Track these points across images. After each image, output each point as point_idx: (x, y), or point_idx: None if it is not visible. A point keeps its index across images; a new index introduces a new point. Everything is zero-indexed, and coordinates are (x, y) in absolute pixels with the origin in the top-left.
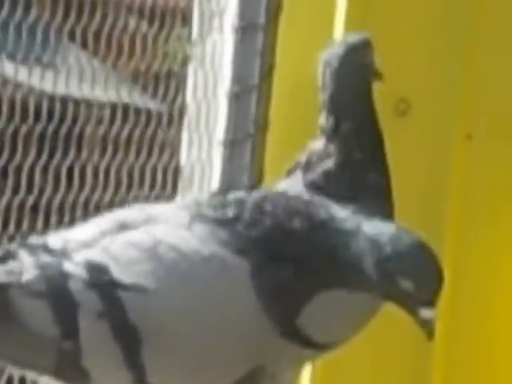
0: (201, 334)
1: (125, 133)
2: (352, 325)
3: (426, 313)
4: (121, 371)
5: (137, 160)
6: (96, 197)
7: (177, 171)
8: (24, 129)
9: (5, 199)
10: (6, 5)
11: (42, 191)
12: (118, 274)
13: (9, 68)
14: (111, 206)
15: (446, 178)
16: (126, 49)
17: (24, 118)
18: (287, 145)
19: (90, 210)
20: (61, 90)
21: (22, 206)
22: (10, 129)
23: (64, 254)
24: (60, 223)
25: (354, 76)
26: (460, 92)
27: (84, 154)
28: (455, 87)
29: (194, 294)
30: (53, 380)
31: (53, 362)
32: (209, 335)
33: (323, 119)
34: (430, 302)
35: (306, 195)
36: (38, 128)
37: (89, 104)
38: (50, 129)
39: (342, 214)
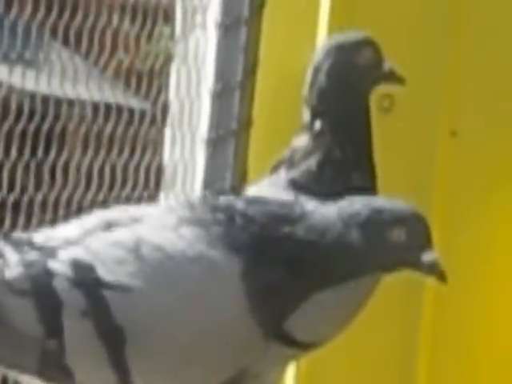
0: (186, 334)
1: (107, 131)
2: (337, 323)
3: (427, 256)
4: (105, 371)
5: (119, 159)
6: (78, 195)
7: (160, 170)
8: (5, 127)
9: None
10: None
11: (23, 190)
12: (103, 273)
13: None
14: (94, 204)
15: (430, 175)
16: (108, 47)
17: (5, 116)
18: (271, 143)
19: (73, 208)
20: (43, 88)
21: (3, 204)
22: None
23: (49, 251)
24: (42, 222)
25: (340, 75)
26: (444, 89)
27: (66, 152)
28: (439, 84)
29: (180, 294)
30: (36, 380)
31: (36, 361)
32: (194, 336)
33: (306, 115)
34: (427, 245)
35: (284, 195)
36: (20, 126)
37: (71, 102)
38: (32, 127)
39: (310, 206)
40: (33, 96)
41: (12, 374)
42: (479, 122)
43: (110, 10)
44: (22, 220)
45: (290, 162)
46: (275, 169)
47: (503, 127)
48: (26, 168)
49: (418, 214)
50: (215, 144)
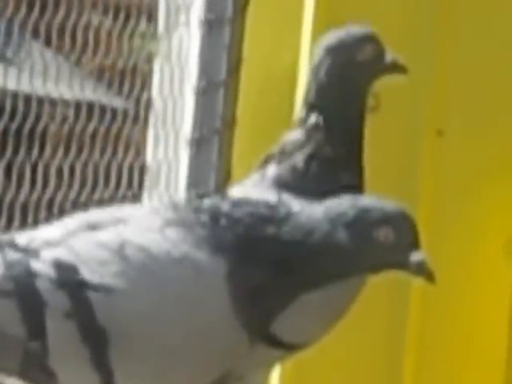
0: (170, 335)
1: (89, 130)
2: (324, 324)
3: (415, 256)
4: (88, 373)
5: (102, 158)
6: (60, 196)
7: (143, 169)
8: None
9: None
10: None
11: (5, 190)
12: (87, 273)
13: None
14: (76, 205)
15: (417, 174)
16: (91, 45)
17: None
18: (255, 142)
19: (55, 209)
20: (24, 87)
21: None
22: None
23: (32, 252)
24: (24, 222)
25: (341, 73)
26: (430, 88)
27: (48, 152)
28: (425, 83)
29: (164, 296)
30: (19, 381)
31: (18, 362)
32: (179, 337)
33: (302, 111)
34: (415, 245)
35: (269, 195)
36: (1, 126)
37: (53, 102)
38: (13, 127)
39: (296, 206)
40: (14, 95)
41: None
42: (465, 122)
43: (92, 8)
44: (3, 221)
45: (280, 157)
46: (265, 163)
47: (489, 126)
48: (8, 168)
49: (405, 213)
50: (199, 143)
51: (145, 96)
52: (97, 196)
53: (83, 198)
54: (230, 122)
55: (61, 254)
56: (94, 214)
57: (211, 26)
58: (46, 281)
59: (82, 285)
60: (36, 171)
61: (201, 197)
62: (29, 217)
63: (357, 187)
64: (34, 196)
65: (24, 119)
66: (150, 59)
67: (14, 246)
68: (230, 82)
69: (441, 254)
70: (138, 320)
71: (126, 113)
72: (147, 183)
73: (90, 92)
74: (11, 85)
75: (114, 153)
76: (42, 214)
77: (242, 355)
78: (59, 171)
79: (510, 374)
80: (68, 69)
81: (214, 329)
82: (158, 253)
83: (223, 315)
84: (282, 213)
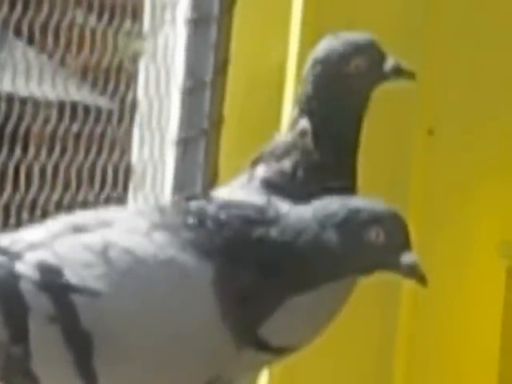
0: (156, 340)
1: (73, 131)
2: (313, 327)
3: (406, 258)
4: (72, 378)
5: (86, 159)
6: (43, 197)
7: (128, 170)
8: None
9: None
10: None
11: None
12: (71, 276)
13: None
14: (59, 206)
15: (407, 174)
16: (74, 44)
17: None
18: (243, 142)
19: (38, 210)
20: (7, 87)
21: None
22: None
23: (15, 254)
24: (6, 224)
25: (327, 86)
26: (421, 87)
27: (31, 152)
28: (417, 82)
29: (150, 300)
30: None
31: (1, 367)
32: (165, 342)
33: (294, 111)
34: (406, 246)
35: (256, 197)
36: None
37: (36, 102)
38: None
39: (285, 207)
40: None
41: None
42: (456, 121)
43: (75, 6)
44: None
45: (269, 159)
46: (253, 164)
47: (480, 126)
48: None
49: (396, 213)
50: (185, 144)
51: (130, 95)
52: (81, 197)
53: (67, 199)
54: (216, 122)
55: (45, 256)
56: (79, 216)
57: (197, 24)
58: (30, 283)
59: (66, 288)
60: (19, 172)
61: (187, 199)
62: (11, 218)
63: (348, 194)
64: (17, 197)
65: (6, 119)
66: (135, 59)
67: None
68: (217, 82)
69: (432, 255)
70: (123, 324)
71: (110, 113)
72: (132, 184)
73: (74, 92)
74: None
75: (99, 153)
76: (25, 215)
77: (229, 359)
78: (42, 172)
79: (503, 377)
80: (51, 68)
81: (201, 333)
82: (143, 256)
83: (210, 318)
84: (270, 215)
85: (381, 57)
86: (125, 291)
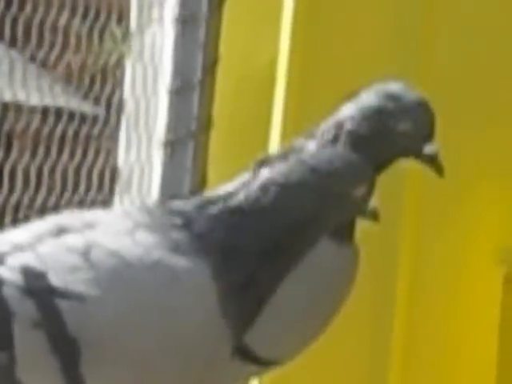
0: (145, 346)
1: (58, 132)
2: (301, 339)
3: (429, 149)
4: None
5: (71, 161)
6: (27, 199)
7: (114, 173)
8: None
9: None
10: None
11: None
12: (56, 280)
13: None
14: (44, 209)
15: (402, 177)
16: (58, 46)
17: None
18: (232, 145)
19: (21, 213)
20: None
21: None
22: None
23: None
24: None
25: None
26: (416, 89)
27: (14, 154)
28: (412, 85)
29: (138, 303)
30: None
31: None
32: (154, 348)
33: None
34: (431, 137)
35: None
36: None
37: (18, 106)
38: None
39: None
40: None
41: None
42: (452, 125)
43: (60, 8)
44: None
45: (277, 162)
46: (260, 164)
47: (477, 129)
48: None
49: (427, 105)
50: (173, 146)
51: (116, 97)
52: (65, 200)
53: (51, 202)
54: (205, 124)
55: (28, 259)
56: (63, 218)
57: (185, 23)
58: (13, 288)
59: (51, 292)
60: (2, 174)
61: (173, 198)
62: None
63: None
64: (0, 199)
65: None
66: (120, 60)
67: None
68: (206, 82)
69: (427, 260)
70: (111, 329)
71: (96, 118)
72: (118, 188)
73: (59, 94)
74: None
75: (84, 155)
76: (8, 218)
77: (221, 366)
78: (26, 174)
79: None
80: (35, 71)
81: (197, 335)
82: (130, 258)
83: (208, 319)
84: (257, 195)
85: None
86: (112, 295)
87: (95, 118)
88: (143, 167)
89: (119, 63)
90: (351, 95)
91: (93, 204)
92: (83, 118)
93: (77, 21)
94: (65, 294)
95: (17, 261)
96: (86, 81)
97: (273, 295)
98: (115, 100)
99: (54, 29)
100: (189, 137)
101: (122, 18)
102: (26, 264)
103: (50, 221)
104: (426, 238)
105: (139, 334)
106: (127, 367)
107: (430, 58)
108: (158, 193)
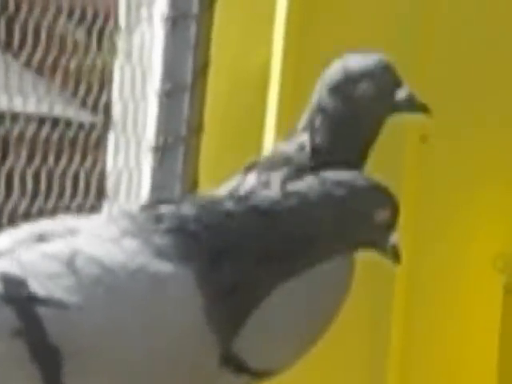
0: (129, 354)
1: (42, 135)
2: (294, 348)
3: (392, 239)
4: None
5: (57, 165)
6: (10, 206)
7: (101, 178)
8: None
9: None
10: None
11: None
12: (37, 288)
13: None
14: (28, 215)
15: (400, 180)
16: (42, 45)
17: None
18: (224, 150)
19: (3, 219)
20: None
21: None
22: None
23: None
24: None
25: (339, 100)
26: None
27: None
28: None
29: (122, 311)
30: None
31: None
32: (138, 356)
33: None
34: (394, 226)
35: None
36: None
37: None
38: None
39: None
40: None
41: None
42: (449, 127)
43: (43, 9)
44: None
45: (264, 166)
46: (248, 169)
47: (473, 132)
48: None
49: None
50: (163, 151)
51: (103, 99)
52: (50, 206)
53: (36, 207)
54: (196, 128)
55: (8, 266)
56: (45, 224)
57: (176, 22)
58: None
59: (32, 300)
60: None
61: (157, 204)
62: None
63: None
64: None
65: None
66: (106, 64)
67: None
68: (197, 85)
69: (424, 268)
70: (94, 337)
71: (93, 125)
72: (106, 193)
73: (42, 95)
74: None
75: (70, 159)
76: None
77: (210, 376)
78: (8, 179)
79: None
80: (17, 71)
81: (183, 343)
82: (113, 265)
83: (194, 325)
84: (249, 201)
85: (393, 83)
86: (94, 302)
87: (92, 126)
88: (132, 173)
89: (106, 64)
90: None
91: (80, 210)
92: (68, 121)
93: (61, 21)
94: (46, 302)
95: None
96: (71, 81)
97: (261, 303)
98: (102, 101)
99: (37, 29)
100: (179, 141)
101: (108, 18)
102: (6, 271)
103: (32, 227)
104: (424, 246)
105: (123, 343)
106: (110, 378)
107: (428, 65)
108: (147, 199)
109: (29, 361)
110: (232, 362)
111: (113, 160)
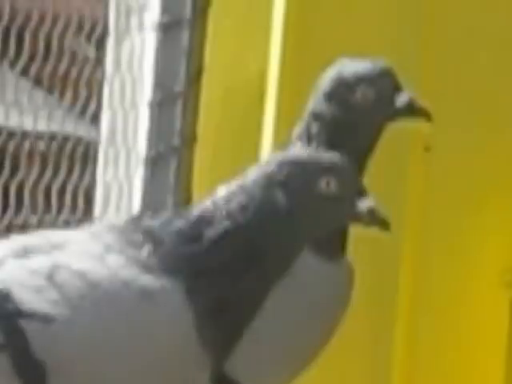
0: (116, 369)
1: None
2: (288, 366)
3: (363, 204)
4: None
5: (42, 178)
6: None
7: (90, 191)
8: None
9: None
10: None
11: None
12: (21, 301)
13: None
14: (11, 229)
15: (404, 190)
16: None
17: None
18: (218, 160)
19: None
20: None
21: None
22: None
23: None
24: None
25: (337, 107)
26: None
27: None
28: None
29: (107, 324)
30: None
31: None
32: (125, 371)
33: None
34: (361, 193)
35: None
36: None
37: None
38: None
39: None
40: None
41: None
42: (453, 138)
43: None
44: None
45: None
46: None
47: (477, 142)
48: None
49: (345, 162)
50: (154, 162)
51: (92, 108)
52: (36, 221)
53: (20, 221)
54: (189, 139)
55: None
56: (29, 238)
57: (168, 29)
58: None
59: (16, 314)
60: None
61: (141, 217)
62: None
63: None
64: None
65: None
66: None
67: None
68: (190, 94)
69: (428, 282)
70: (79, 352)
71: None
72: (95, 207)
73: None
74: None
75: (55, 172)
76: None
77: None
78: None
79: None
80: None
81: (172, 355)
82: (98, 279)
83: (184, 337)
84: (228, 208)
85: (393, 89)
86: (79, 316)
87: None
88: (122, 185)
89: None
90: None
91: (66, 224)
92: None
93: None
94: (30, 315)
95: None
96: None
97: (253, 318)
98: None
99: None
100: (171, 152)
101: (96, 25)
102: None
103: (15, 241)
104: (429, 258)
105: (109, 357)
106: None
107: (431, 74)
108: (136, 213)
109: (13, 375)
110: (224, 381)
111: (102, 172)
